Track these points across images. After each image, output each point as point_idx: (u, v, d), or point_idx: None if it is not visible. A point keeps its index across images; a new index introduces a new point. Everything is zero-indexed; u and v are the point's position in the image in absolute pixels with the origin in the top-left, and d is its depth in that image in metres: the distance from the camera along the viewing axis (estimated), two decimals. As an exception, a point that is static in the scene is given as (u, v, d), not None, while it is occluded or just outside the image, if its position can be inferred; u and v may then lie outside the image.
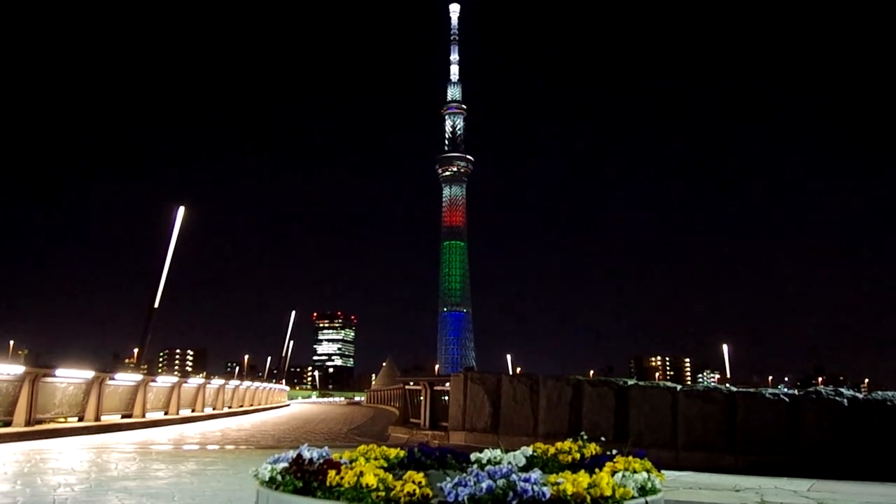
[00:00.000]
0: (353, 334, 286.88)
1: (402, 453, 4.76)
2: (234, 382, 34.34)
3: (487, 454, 4.86)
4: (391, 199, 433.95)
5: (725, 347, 73.15)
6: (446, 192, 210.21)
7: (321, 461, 4.01)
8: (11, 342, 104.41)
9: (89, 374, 16.51)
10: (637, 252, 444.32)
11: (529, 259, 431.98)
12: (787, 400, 10.93)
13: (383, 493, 3.62)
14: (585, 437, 5.48)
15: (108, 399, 17.40)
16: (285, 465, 4.09)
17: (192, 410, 24.21)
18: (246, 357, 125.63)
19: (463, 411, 13.60)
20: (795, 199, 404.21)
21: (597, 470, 4.15)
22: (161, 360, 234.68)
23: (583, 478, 3.77)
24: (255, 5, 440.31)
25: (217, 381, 29.92)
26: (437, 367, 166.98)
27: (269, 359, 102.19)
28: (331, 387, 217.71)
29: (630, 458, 4.55)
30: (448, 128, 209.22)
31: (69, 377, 15.71)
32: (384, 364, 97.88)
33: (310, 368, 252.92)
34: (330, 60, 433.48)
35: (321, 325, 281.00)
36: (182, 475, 8.42)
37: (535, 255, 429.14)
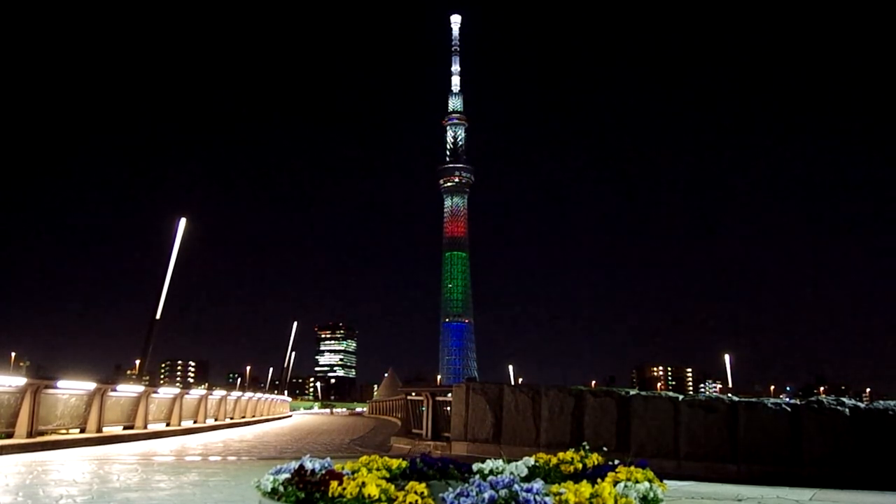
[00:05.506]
0: (354, 345, 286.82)
1: (404, 464, 4.78)
2: (236, 393, 34.28)
3: (489, 464, 4.88)
4: (393, 209, 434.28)
5: (727, 357, 73.42)
6: (448, 202, 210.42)
7: (323, 472, 4.04)
8: (13, 354, 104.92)
9: (91, 385, 16.51)
10: (639, 262, 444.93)
11: (531, 269, 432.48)
12: (788, 410, 10.91)
13: (385, 504, 3.64)
14: (587, 447, 5.50)
15: (110, 410, 17.40)
16: (287, 475, 4.11)
17: (195, 421, 24.17)
18: (248, 368, 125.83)
19: (465, 422, 13.58)
20: (797, 208, 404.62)
21: (599, 480, 4.17)
22: (163, 371, 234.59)
23: (585, 488, 3.79)
24: (257, 17, 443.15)
25: (219, 393, 29.87)
26: (438, 377, 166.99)
27: (271, 370, 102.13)
28: (333, 398, 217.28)
29: (632, 468, 4.57)
30: (449, 138, 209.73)
31: (71, 389, 15.71)
32: (386, 375, 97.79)
33: (312, 379, 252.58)
34: (331, 71, 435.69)
35: (323, 336, 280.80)
36: (184, 486, 8.41)
37: (537, 266, 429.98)
